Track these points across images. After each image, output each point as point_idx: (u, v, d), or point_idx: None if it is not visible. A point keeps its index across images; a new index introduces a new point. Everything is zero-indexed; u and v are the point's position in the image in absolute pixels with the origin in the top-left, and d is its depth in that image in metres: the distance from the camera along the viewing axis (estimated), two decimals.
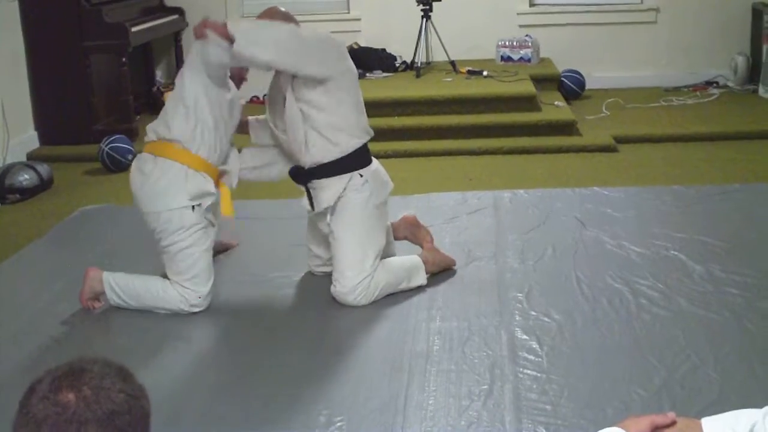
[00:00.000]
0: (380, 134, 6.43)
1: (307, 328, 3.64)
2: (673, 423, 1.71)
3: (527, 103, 6.81)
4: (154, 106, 7.61)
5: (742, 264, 3.99)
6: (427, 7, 7.45)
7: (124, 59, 6.72)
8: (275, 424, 2.93)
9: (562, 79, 7.53)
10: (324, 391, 3.11)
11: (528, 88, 6.94)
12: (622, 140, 6.35)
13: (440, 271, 4.01)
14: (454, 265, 4.09)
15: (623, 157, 6.09)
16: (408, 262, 3.92)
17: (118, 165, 5.99)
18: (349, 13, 8.14)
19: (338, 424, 2.89)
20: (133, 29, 6.81)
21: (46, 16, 6.58)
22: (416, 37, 7.44)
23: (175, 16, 7.83)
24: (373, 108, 6.60)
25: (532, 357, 3.27)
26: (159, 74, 8.20)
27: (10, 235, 4.98)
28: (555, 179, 5.56)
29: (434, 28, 7.42)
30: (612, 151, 6.20)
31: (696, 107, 7.25)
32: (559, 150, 6.24)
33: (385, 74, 7.62)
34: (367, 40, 7.95)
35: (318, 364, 3.31)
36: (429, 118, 6.71)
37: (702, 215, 4.70)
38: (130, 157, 5.85)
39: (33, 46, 6.60)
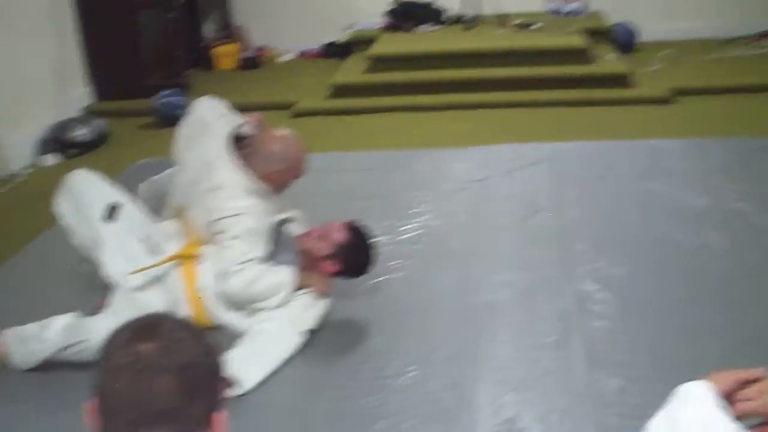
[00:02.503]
0: (431, 87, 6.47)
1: (370, 280, 3.57)
2: (761, 378, 1.66)
3: (579, 55, 6.71)
4: (203, 60, 7.63)
5: None
6: None
7: (172, 15, 6.71)
8: (345, 374, 2.95)
9: (614, 31, 7.40)
10: (393, 341, 3.12)
11: (579, 41, 6.83)
12: (677, 92, 6.24)
13: None
14: None
15: (679, 109, 6.00)
16: None
17: (172, 119, 5.99)
18: None
19: (410, 374, 2.91)
20: None
21: None
22: None
23: None
24: (424, 60, 6.64)
25: (600, 308, 3.25)
26: (207, 30, 8.18)
27: None
28: (610, 132, 5.49)
29: None
30: (667, 103, 6.11)
31: (750, 59, 7.10)
32: (614, 102, 6.15)
33: (433, 27, 7.55)
34: None
35: (385, 315, 3.32)
36: (479, 71, 6.63)
37: (765, 166, 4.62)
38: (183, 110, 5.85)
39: (84, 2, 6.60)
